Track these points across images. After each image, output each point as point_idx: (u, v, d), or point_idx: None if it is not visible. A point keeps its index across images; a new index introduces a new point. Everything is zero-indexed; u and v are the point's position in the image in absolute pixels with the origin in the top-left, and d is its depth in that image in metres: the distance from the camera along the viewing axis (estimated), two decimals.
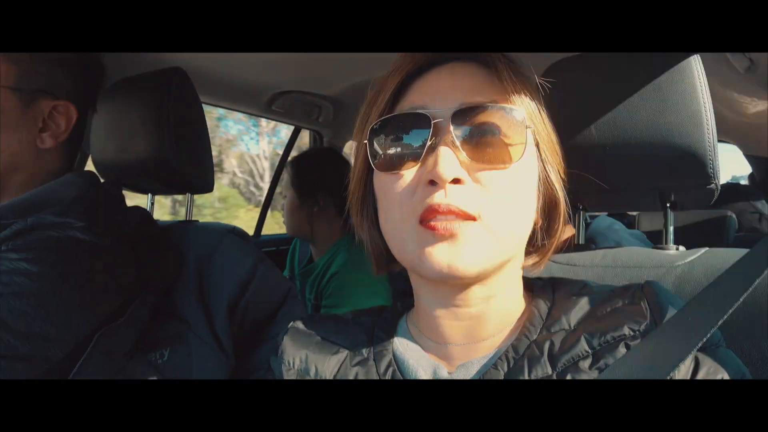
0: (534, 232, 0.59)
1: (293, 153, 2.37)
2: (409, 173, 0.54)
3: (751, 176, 2.71)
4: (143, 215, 0.93)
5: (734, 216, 1.99)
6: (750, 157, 2.25)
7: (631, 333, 0.51)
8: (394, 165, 0.55)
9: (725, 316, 0.44)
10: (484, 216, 0.51)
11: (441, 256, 0.50)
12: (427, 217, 0.51)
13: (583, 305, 0.56)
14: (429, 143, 0.52)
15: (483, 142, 0.52)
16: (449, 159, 0.50)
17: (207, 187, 1.12)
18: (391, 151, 0.55)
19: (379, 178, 0.57)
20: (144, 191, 1.19)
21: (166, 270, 0.86)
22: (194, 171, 1.05)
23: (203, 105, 1.14)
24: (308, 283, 1.79)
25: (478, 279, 0.53)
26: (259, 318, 0.90)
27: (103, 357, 0.73)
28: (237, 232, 1.22)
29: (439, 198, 0.50)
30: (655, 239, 1.74)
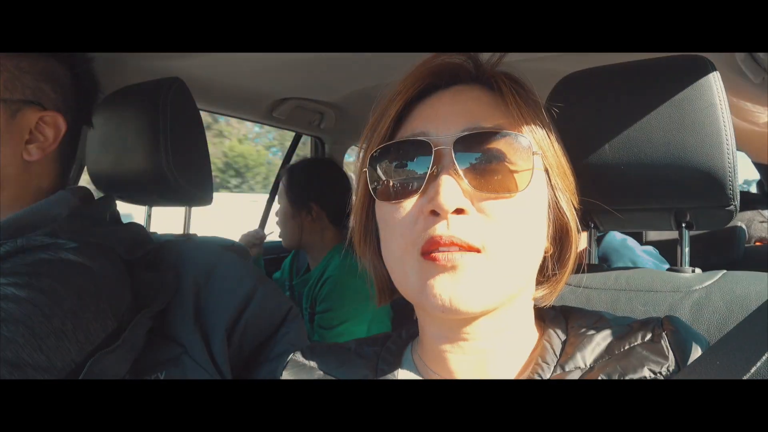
0: (545, 260, 0.56)
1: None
2: (410, 203, 0.51)
3: (759, 184, 2.67)
4: (139, 233, 0.90)
5: (744, 227, 1.95)
6: (759, 166, 2.21)
7: (652, 375, 0.48)
8: (395, 194, 0.52)
9: (759, 363, 0.41)
10: (488, 248, 0.48)
11: (442, 290, 0.48)
12: (429, 248, 0.49)
13: (599, 341, 0.53)
14: (430, 171, 0.50)
15: (487, 169, 0.50)
16: (451, 188, 0.48)
17: (206, 199, 1.09)
18: (392, 179, 0.53)
19: (381, 208, 0.55)
20: (141, 203, 1.16)
21: (162, 292, 0.82)
22: (192, 184, 1.02)
23: (203, 113, 1.11)
24: (305, 292, 1.77)
25: (484, 313, 0.51)
26: (258, 339, 0.87)
27: None
28: (236, 249, 1.18)
29: (441, 229, 0.48)
30: (663, 248, 1.70)
